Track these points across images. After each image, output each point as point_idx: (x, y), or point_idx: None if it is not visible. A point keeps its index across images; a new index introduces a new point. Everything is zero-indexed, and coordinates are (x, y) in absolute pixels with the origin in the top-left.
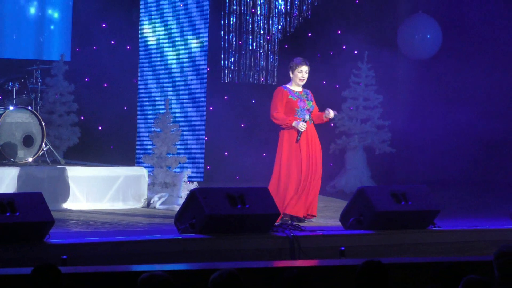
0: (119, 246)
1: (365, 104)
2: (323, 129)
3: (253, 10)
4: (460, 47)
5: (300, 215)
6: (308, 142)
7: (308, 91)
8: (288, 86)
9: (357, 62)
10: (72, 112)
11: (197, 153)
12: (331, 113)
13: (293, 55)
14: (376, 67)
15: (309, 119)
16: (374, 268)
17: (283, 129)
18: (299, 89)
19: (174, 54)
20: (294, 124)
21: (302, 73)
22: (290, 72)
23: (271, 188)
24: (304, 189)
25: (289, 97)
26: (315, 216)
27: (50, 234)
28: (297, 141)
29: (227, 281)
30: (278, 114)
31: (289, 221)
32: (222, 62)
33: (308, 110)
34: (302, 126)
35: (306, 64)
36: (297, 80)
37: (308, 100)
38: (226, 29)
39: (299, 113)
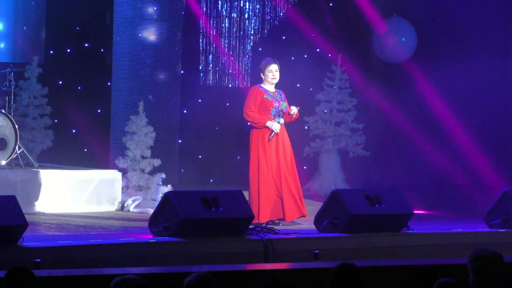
0: (93, 249)
1: (339, 107)
2: (297, 131)
3: (225, 13)
4: (435, 50)
5: (274, 218)
6: (278, 144)
7: (280, 91)
8: (262, 85)
9: (331, 65)
10: (46, 115)
11: (171, 156)
12: (293, 109)
13: (266, 57)
14: (350, 70)
15: (282, 120)
16: (348, 271)
17: (252, 128)
18: (272, 89)
19: (148, 57)
20: (268, 124)
21: (272, 72)
22: (261, 74)
23: (252, 193)
24: (278, 192)
25: (265, 96)
26: (305, 216)
27: (24, 237)
28: (269, 139)
29: (201, 284)
30: (252, 112)
31: (264, 225)
32: (196, 65)
33: (282, 111)
34: (276, 127)
35: (275, 63)
36: (269, 80)
37: (282, 100)
38: (200, 32)
39: (273, 113)
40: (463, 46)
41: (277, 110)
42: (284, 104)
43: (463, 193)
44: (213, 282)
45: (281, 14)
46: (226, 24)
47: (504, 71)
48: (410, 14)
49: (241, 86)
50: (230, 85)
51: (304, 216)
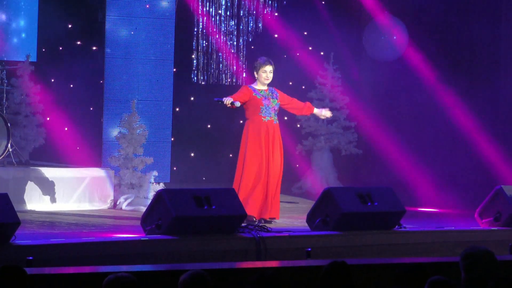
0: (85, 247)
1: (331, 105)
2: (289, 130)
3: (219, 11)
4: (426, 48)
5: (256, 216)
6: (268, 142)
7: (273, 88)
8: (253, 85)
9: (323, 63)
10: (38, 112)
11: (163, 154)
12: (328, 113)
13: (259, 55)
14: (342, 68)
15: (274, 117)
16: (339, 268)
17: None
18: (264, 87)
19: (141, 55)
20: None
21: (266, 73)
22: (255, 72)
23: (234, 186)
24: (262, 190)
25: (253, 94)
26: (276, 219)
27: (16, 235)
28: (216, 99)
29: (196, 282)
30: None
31: (256, 222)
32: (189, 63)
33: (273, 108)
34: (226, 101)
35: (270, 64)
36: (262, 80)
37: (273, 98)
38: (193, 30)
39: (263, 111)
40: (454, 44)
41: (266, 107)
42: (275, 102)
43: (455, 190)
44: (208, 279)
45: (274, 12)
46: (219, 22)
47: (493, 69)
48: (401, 12)
49: (233, 84)
50: (222, 83)
51: (274, 218)
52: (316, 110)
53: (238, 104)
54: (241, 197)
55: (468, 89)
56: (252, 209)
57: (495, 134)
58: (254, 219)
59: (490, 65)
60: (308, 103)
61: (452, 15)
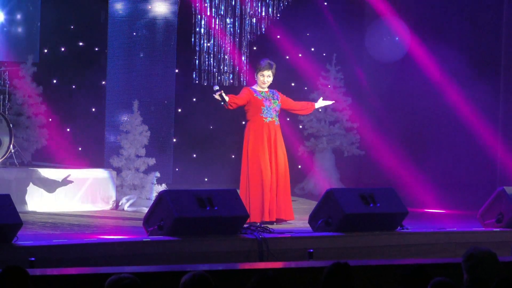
0: (87, 248)
1: (333, 106)
2: (292, 131)
3: (221, 12)
4: (428, 49)
5: (267, 219)
6: (270, 144)
7: (274, 90)
8: (254, 87)
9: (326, 64)
10: (40, 114)
11: (165, 155)
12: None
13: (262, 56)
14: (345, 69)
15: (276, 118)
16: (341, 270)
17: (246, 124)
18: (265, 89)
19: (143, 55)
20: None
21: (264, 77)
22: (255, 74)
23: (242, 191)
24: (270, 192)
25: (255, 95)
26: (292, 219)
27: (18, 236)
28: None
29: (198, 283)
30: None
31: (259, 224)
32: (191, 64)
33: (274, 109)
34: (216, 96)
35: (270, 68)
36: (260, 83)
37: (274, 99)
38: (195, 30)
39: (265, 112)
40: (457, 45)
41: (268, 108)
42: (276, 103)
43: (457, 191)
44: (209, 280)
45: (276, 13)
46: (221, 23)
47: (497, 69)
48: (403, 13)
49: (235, 85)
50: (224, 84)
51: (285, 220)
52: (316, 105)
53: (226, 98)
54: (251, 202)
55: (472, 89)
56: (264, 214)
57: (498, 135)
58: (264, 223)
59: (494, 65)
60: (310, 102)
61: (455, 14)
